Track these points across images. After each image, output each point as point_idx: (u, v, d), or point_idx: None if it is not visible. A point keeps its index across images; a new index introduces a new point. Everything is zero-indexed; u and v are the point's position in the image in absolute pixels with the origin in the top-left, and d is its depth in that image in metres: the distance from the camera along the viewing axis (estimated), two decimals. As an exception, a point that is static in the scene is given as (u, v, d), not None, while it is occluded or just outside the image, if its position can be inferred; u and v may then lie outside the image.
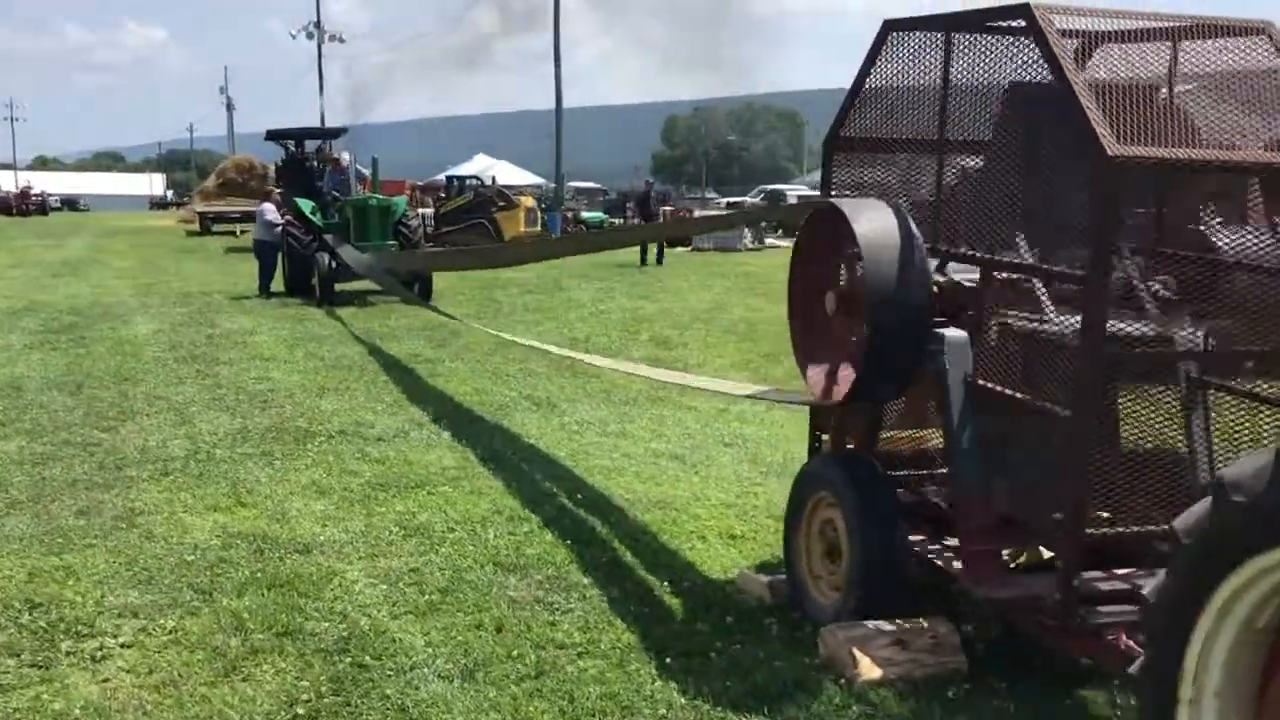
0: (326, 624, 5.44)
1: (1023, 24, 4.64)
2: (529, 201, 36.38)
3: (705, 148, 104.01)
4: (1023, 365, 4.71)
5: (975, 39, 4.97)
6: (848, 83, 5.74)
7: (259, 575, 6.04)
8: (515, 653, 5.13)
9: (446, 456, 8.58)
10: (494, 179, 41.47)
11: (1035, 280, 4.69)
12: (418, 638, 5.31)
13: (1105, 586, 4.69)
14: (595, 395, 11.13)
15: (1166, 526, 4.64)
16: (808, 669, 4.90)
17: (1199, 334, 4.82)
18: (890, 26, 5.43)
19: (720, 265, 26.57)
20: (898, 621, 4.98)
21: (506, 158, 61.57)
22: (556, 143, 45.17)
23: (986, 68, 4.91)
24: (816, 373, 5.24)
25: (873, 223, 4.82)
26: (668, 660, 5.02)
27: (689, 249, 30.71)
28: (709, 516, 7.10)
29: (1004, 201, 4.79)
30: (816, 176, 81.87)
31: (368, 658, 5.09)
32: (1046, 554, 5.30)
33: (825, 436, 6.12)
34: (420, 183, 46.62)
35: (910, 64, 5.33)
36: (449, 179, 40.91)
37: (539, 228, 36.49)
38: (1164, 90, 4.80)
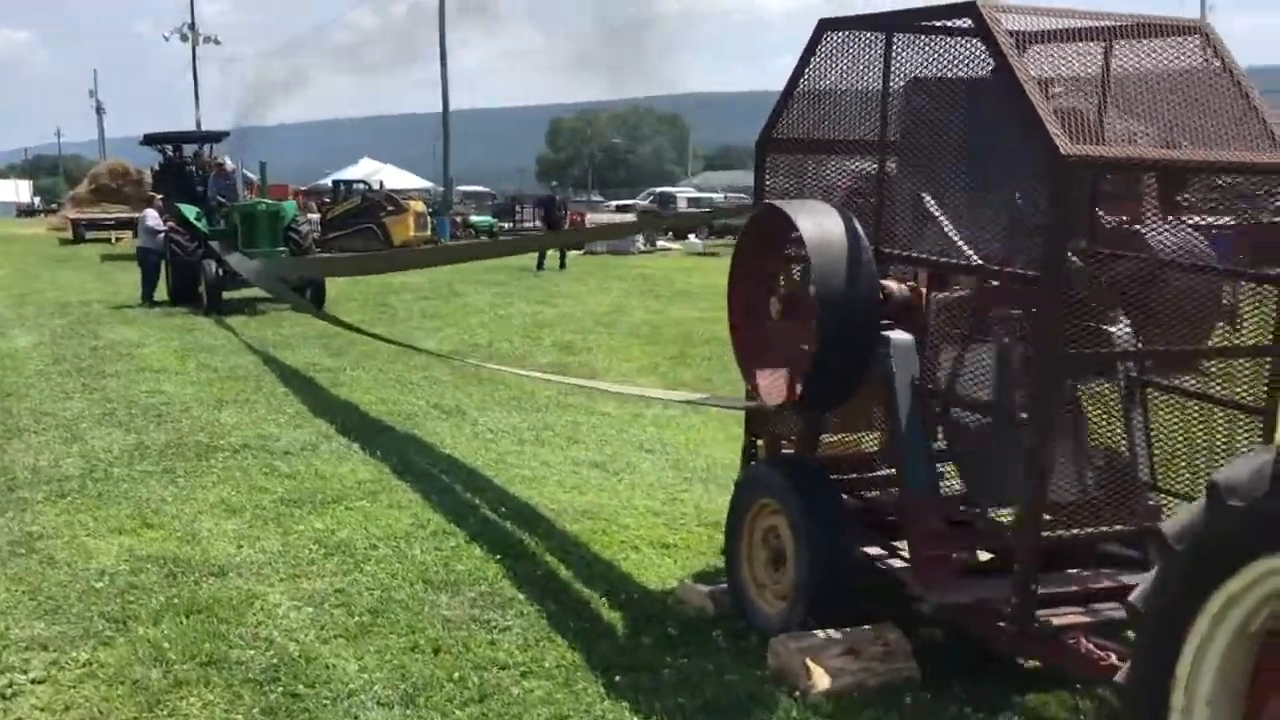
0: (252, 651, 5.17)
1: (969, 24, 4.60)
2: (418, 206, 35.94)
3: (590, 150, 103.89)
4: (974, 368, 4.68)
5: (917, 39, 4.92)
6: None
7: (175, 601, 5.73)
8: (456, 675, 4.93)
9: (360, 469, 8.30)
10: (381, 183, 40.80)
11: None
12: (351, 663, 5.07)
13: (1054, 589, 4.68)
14: (504, 402, 10.92)
15: (1114, 527, 4.70)
16: (759, 681, 4.80)
17: (1132, 333, 4.85)
18: (825, 26, 5.36)
19: (616, 268, 26.46)
20: (848, 629, 4.90)
21: (390, 162, 60.64)
22: (444, 146, 44.60)
23: (929, 68, 4.86)
24: (763, 378, 5.14)
25: (819, 224, 4.74)
26: (615, 678, 4.87)
27: (581, 252, 30.53)
28: (638, 526, 6.97)
29: (946, 202, 4.75)
30: (701, 179, 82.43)
31: (300, 686, 4.85)
32: (984, 556, 5.29)
33: (760, 442, 6.05)
34: (304, 187, 45.65)
35: (847, 64, 5.26)
36: (335, 183, 40.18)
37: (429, 232, 36.09)
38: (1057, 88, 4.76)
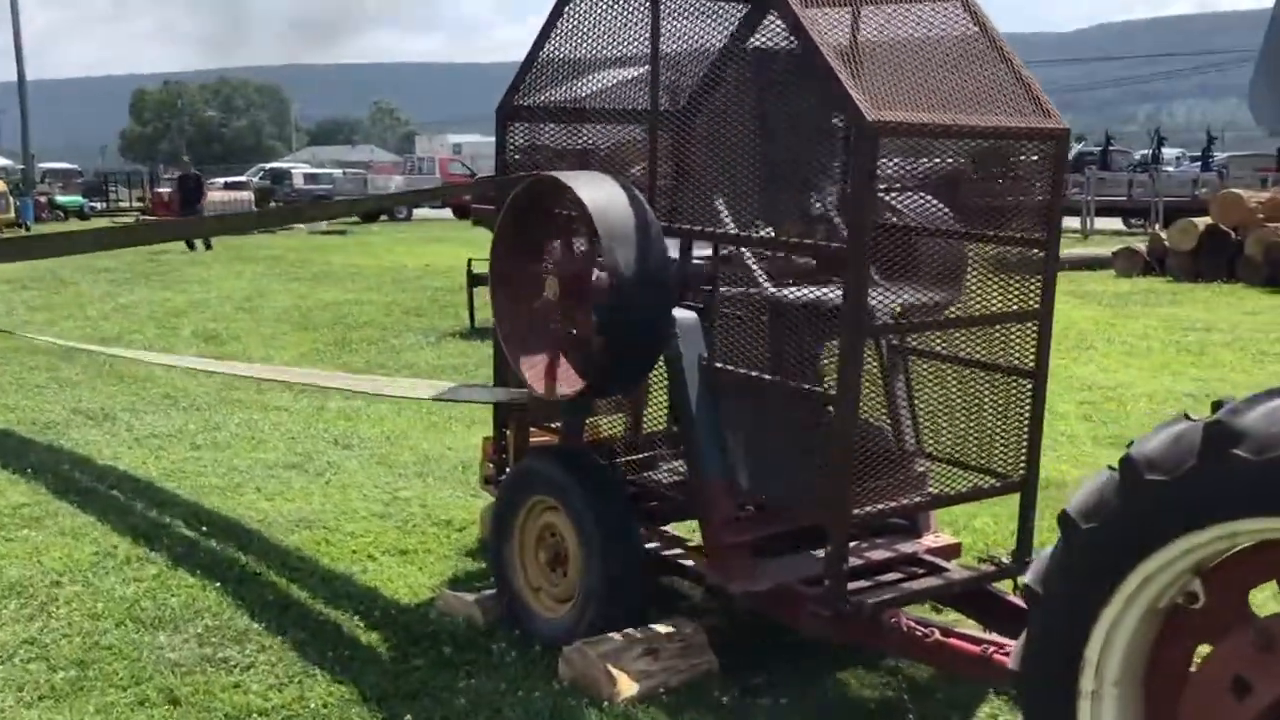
0: (-62, 730, 4.24)
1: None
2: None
3: (181, 124, 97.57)
4: (771, 344, 4.48)
5: (689, 2, 4.64)
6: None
7: None
8: (207, 730, 4.23)
9: (10, 492, 7.13)
10: (-49, 161, 36.45)
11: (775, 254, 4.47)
12: (70, 729, 4.25)
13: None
14: (158, 402, 9.82)
15: (904, 500, 4.65)
16: (560, 695, 4.40)
17: (895, 301, 4.82)
18: (576, -15, 4.98)
19: (241, 249, 24.84)
20: (643, 628, 4.60)
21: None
22: (22, 119, 40.37)
23: (706, 32, 4.60)
24: (533, 366, 4.71)
25: (605, 197, 4.36)
26: (399, 710, 4.33)
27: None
28: (365, 532, 6.35)
29: (732, 173, 4.53)
30: (309, 154, 79.28)
31: (14, 766, 4.00)
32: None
33: (508, 433, 5.63)
34: None
35: (604, 26, 4.91)
36: (-110, 161, 35.52)
37: (12, 214, 32.78)
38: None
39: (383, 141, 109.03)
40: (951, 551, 5.04)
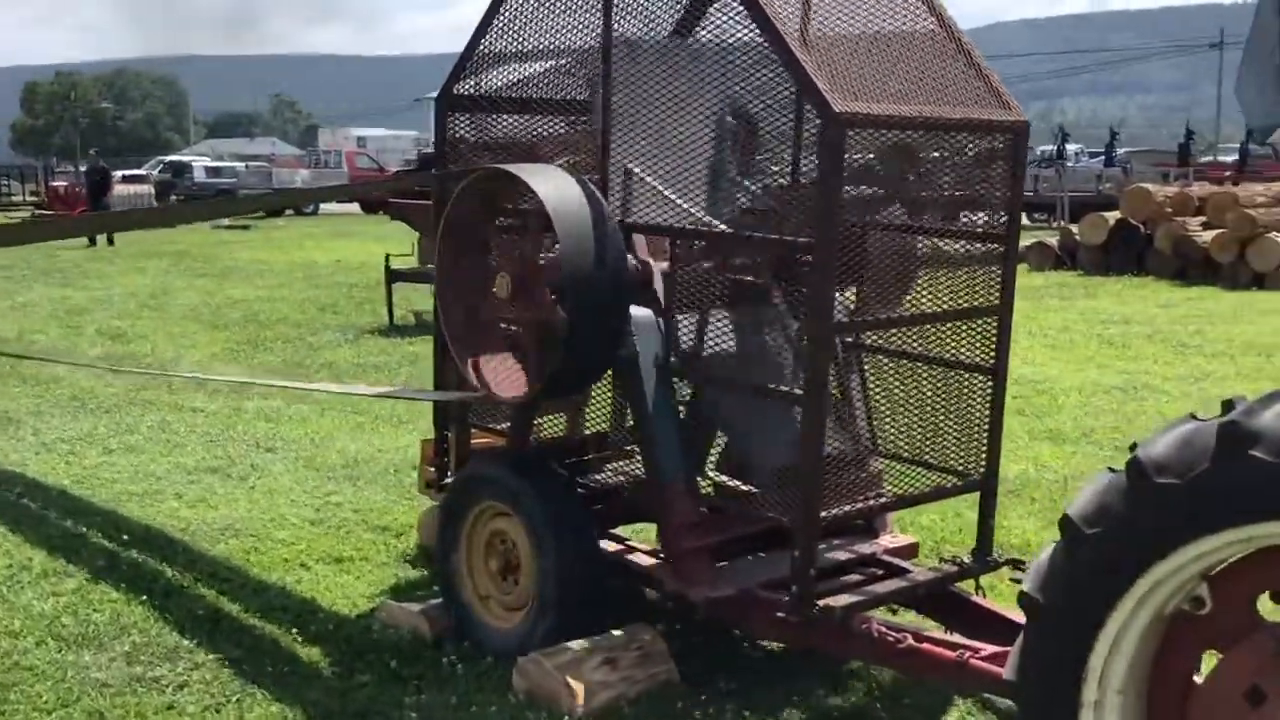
0: None
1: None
2: (-119, 179, 31.09)
3: (74, 116, 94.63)
4: (736, 344, 4.35)
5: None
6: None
7: None
8: (141, 756, 3.97)
9: (-91, 502, 6.74)
10: None
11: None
12: (-9, 760, 3.97)
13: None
14: (64, 404, 9.39)
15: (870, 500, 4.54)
16: (516, 709, 4.22)
17: (849, 297, 4.71)
18: (521, -31, 4.78)
19: (144, 242, 24.06)
20: (599, 637, 4.43)
21: None
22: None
23: (658, 21, 4.44)
24: (490, 366, 4.51)
25: (560, 192, 4.18)
26: (348, 730, 4.12)
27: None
28: (297, 539, 6.08)
29: (690, 167, 4.38)
30: (208, 147, 77.56)
31: (-69, 804, 3.71)
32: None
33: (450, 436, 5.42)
34: None
35: (550, 15, 4.72)
36: None
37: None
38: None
39: (284, 134, 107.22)
40: (910, 551, 4.95)
